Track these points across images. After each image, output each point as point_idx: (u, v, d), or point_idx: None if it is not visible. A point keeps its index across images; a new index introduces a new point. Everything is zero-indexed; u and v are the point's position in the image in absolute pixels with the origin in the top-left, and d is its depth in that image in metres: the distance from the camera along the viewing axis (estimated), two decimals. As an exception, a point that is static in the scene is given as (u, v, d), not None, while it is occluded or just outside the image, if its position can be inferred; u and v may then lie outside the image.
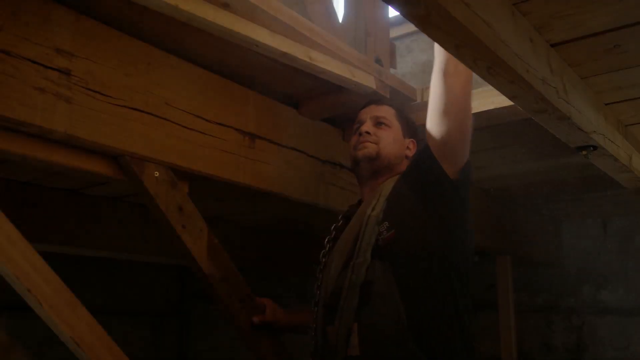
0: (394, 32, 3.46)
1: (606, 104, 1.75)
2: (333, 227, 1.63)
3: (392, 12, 2.88)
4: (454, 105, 1.36)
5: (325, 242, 1.61)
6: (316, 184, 1.94)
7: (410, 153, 1.62)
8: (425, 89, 3.64)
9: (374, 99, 1.72)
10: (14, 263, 1.21)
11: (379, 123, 1.61)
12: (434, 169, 1.40)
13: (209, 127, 1.57)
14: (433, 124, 1.40)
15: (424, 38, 3.66)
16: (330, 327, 1.41)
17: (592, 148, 1.70)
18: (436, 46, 1.37)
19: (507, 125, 1.97)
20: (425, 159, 1.42)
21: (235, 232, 2.90)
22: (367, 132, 1.59)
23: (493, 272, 3.20)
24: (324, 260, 1.57)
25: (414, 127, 1.68)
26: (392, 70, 2.05)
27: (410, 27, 3.59)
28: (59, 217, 2.17)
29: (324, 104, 1.89)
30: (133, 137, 1.38)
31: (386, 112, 1.64)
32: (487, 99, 1.88)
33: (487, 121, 1.95)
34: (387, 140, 1.59)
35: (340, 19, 2.11)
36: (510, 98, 1.40)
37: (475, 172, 2.52)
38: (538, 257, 3.32)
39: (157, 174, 1.45)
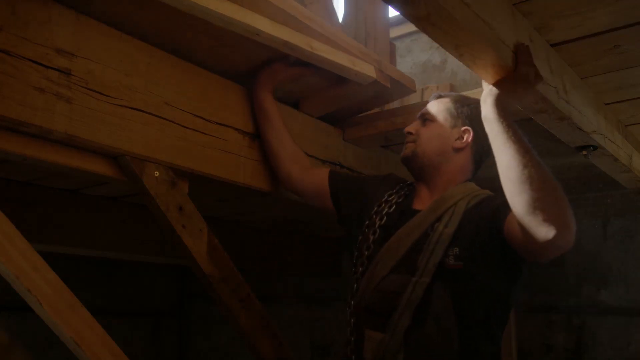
0: (394, 32, 3.46)
1: (606, 104, 1.75)
2: (384, 211, 1.53)
3: (392, 12, 2.88)
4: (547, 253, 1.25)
5: (370, 228, 1.51)
6: (316, 184, 1.93)
7: (462, 143, 1.50)
8: (425, 88, 3.64)
9: (438, 94, 1.63)
10: (14, 263, 1.21)
11: (424, 120, 1.56)
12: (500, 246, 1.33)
13: (209, 127, 1.57)
14: (521, 237, 1.24)
15: (424, 38, 3.66)
16: (372, 332, 1.37)
17: (592, 148, 1.71)
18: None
19: (507, 125, 1.97)
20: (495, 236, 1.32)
21: (235, 232, 2.90)
22: (409, 132, 1.56)
23: (493, 272, 3.19)
24: (366, 252, 1.48)
25: (472, 115, 1.51)
26: (392, 70, 2.05)
27: (410, 27, 3.59)
28: (59, 217, 2.17)
29: (326, 97, 1.88)
30: (133, 137, 1.38)
31: (437, 105, 1.56)
32: (487, 99, 1.87)
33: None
34: (425, 137, 1.53)
35: (340, 19, 2.11)
36: (511, 98, 1.40)
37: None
38: (538, 257, 3.31)
39: (157, 174, 1.45)
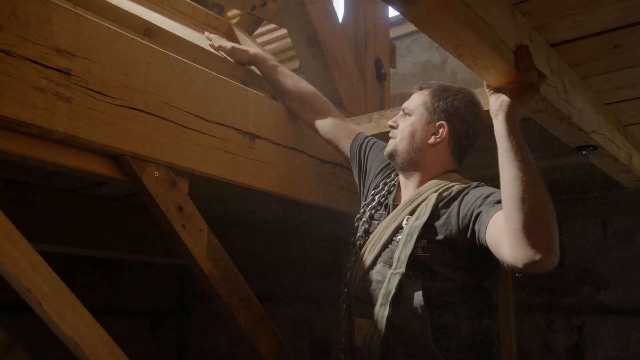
0: (394, 32, 3.47)
1: (606, 104, 1.75)
2: (369, 207, 1.60)
3: (392, 12, 2.88)
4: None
5: (361, 220, 1.59)
6: (316, 184, 1.94)
7: (437, 138, 1.51)
8: (425, 89, 3.63)
9: (421, 84, 1.61)
10: (14, 263, 1.21)
11: (405, 112, 1.57)
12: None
13: (209, 127, 1.57)
14: (504, 253, 1.23)
15: (424, 38, 3.66)
16: (361, 320, 1.46)
17: (592, 148, 1.71)
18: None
19: (507, 125, 1.97)
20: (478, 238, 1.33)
21: (236, 232, 2.90)
22: (391, 126, 1.58)
23: (493, 272, 3.19)
24: (357, 242, 1.56)
25: (449, 108, 1.51)
26: (392, 70, 2.05)
27: (410, 27, 3.59)
28: (59, 217, 2.17)
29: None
30: (133, 137, 1.38)
31: (415, 99, 1.56)
32: (487, 99, 1.87)
33: (487, 121, 1.95)
34: (402, 134, 1.54)
35: (340, 19, 2.11)
36: (511, 98, 1.39)
37: (475, 172, 2.52)
38: (538, 257, 3.31)
39: (157, 174, 1.45)
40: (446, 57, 3.65)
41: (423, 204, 1.45)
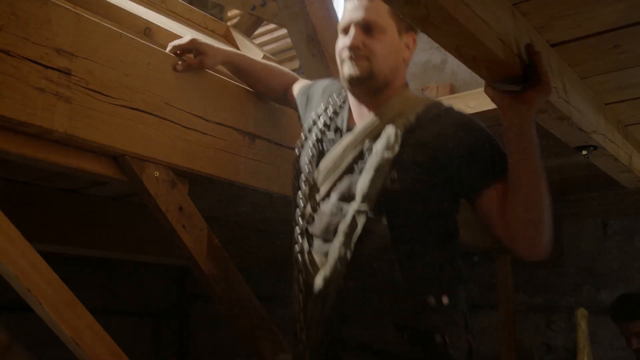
0: (394, 32, 3.46)
1: (606, 104, 1.75)
2: (316, 125, 1.42)
3: (392, 12, 2.87)
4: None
5: (304, 146, 1.43)
6: (316, 184, 1.93)
7: (410, 52, 1.37)
8: (426, 88, 3.64)
9: None
10: (14, 263, 1.21)
11: (368, 28, 1.32)
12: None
13: (209, 127, 1.57)
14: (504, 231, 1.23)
15: (424, 38, 3.65)
16: (315, 256, 1.31)
17: (592, 148, 1.71)
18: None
19: (507, 125, 1.97)
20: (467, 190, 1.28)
21: (236, 232, 2.90)
22: (357, 48, 1.32)
23: (493, 272, 3.20)
24: (303, 172, 1.39)
25: None
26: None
27: (410, 27, 3.58)
28: (59, 217, 2.17)
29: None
30: (133, 137, 1.38)
31: (377, 11, 1.32)
32: (487, 99, 1.87)
33: (487, 121, 1.95)
34: (381, 53, 1.32)
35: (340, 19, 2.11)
36: (511, 98, 1.39)
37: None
38: (538, 257, 3.31)
39: (157, 174, 1.45)
40: (446, 57, 3.65)
41: (389, 129, 1.29)
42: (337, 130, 1.39)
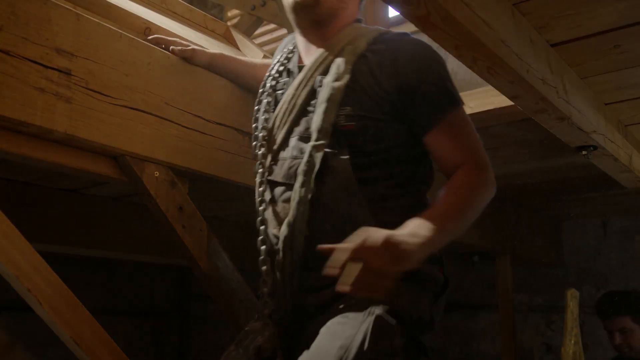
0: (394, 32, 3.46)
1: (606, 104, 1.75)
2: (270, 76, 1.36)
3: (392, 12, 2.88)
4: None
5: (262, 94, 1.36)
6: (316, 184, 1.93)
7: None
8: (425, 89, 3.61)
9: None
10: (14, 263, 1.21)
11: None
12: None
13: (209, 127, 1.57)
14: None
15: (423, 38, 3.66)
16: (279, 205, 1.23)
17: (592, 148, 1.71)
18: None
19: (507, 125, 1.97)
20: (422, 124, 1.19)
21: (236, 232, 2.90)
22: None
23: (493, 272, 3.20)
24: (262, 117, 1.32)
25: None
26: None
27: (410, 27, 3.59)
28: (59, 217, 2.17)
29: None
30: (133, 137, 1.38)
31: None
32: (487, 99, 1.88)
33: (487, 121, 1.95)
34: None
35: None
36: (511, 98, 1.40)
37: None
38: (538, 257, 3.33)
39: (157, 174, 1.45)
40: (446, 57, 3.65)
41: (338, 60, 1.22)
42: (290, 73, 1.33)
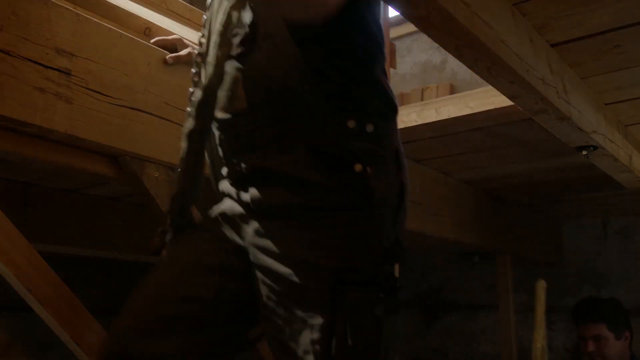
0: (394, 32, 3.47)
1: (606, 104, 1.75)
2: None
3: (392, 12, 2.88)
4: None
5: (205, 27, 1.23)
6: (316, 184, 1.93)
7: None
8: (426, 88, 3.63)
9: None
10: (14, 263, 1.21)
11: None
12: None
13: (209, 127, 1.57)
14: None
15: (424, 38, 3.66)
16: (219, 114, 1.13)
17: (592, 148, 1.71)
18: None
19: (507, 125, 1.97)
20: None
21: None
22: None
23: (493, 272, 3.20)
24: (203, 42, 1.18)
25: None
26: (392, 71, 2.05)
27: (410, 27, 3.59)
28: (59, 217, 2.17)
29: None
30: (133, 137, 1.38)
31: None
32: (487, 99, 1.88)
33: (487, 121, 1.95)
34: None
35: (340, 19, 2.11)
36: (511, 98, 1.40)
37: (475, 172, 2.52)
38: (538, 257, 3.33)
39: (157, 174, 1.45)
40: (446, 57, 3.65)
41: None
42: None
